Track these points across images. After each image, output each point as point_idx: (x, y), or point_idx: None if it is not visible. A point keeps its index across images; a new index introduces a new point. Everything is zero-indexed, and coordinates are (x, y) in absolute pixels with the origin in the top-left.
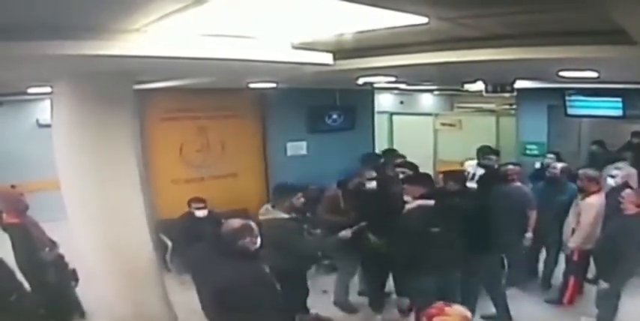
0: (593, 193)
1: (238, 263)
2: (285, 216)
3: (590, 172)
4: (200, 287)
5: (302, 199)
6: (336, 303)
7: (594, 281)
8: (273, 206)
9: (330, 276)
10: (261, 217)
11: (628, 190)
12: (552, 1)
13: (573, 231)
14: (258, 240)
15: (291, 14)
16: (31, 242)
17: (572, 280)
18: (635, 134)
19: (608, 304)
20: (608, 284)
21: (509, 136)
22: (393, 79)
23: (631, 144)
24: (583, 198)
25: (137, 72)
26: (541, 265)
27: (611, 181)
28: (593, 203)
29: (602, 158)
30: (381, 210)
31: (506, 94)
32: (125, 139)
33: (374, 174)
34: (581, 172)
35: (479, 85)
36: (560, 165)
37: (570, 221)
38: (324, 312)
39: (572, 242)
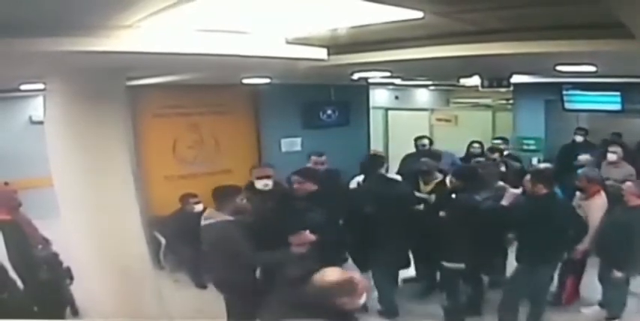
0: (596, 192)
1: None
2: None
3: (590, 172)
4: None
5: (244, 200)
6: None
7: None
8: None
9: None
10: (203, 222)
11: (628, 183)
12: None
13: None
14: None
15: (285, 9)
16: (23, 239)
17: (570, 280)
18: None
19: (621, 295)
20: (622, 273)
21: (505, 131)
22: (387, 74)
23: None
24: (586, 198)
25: (130, 68)
26: None
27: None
28: (599, 204)
29: None
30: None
31: (503, 89)
32: (118, 135)
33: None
34: (580, 172)
35: (475, 80)
36: (543, 166)
37: None
38: None
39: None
